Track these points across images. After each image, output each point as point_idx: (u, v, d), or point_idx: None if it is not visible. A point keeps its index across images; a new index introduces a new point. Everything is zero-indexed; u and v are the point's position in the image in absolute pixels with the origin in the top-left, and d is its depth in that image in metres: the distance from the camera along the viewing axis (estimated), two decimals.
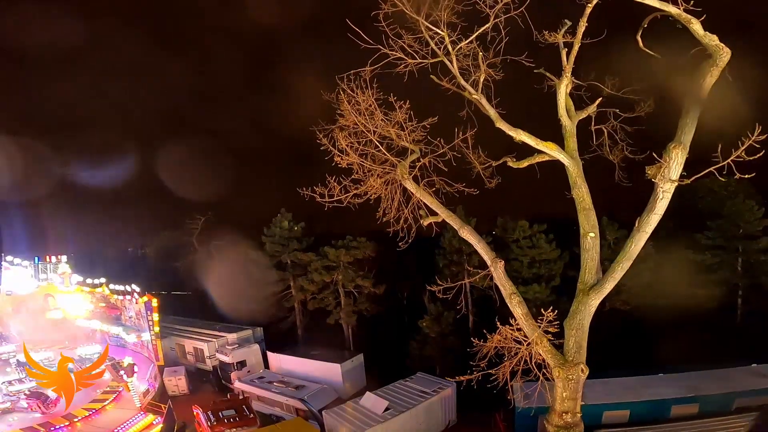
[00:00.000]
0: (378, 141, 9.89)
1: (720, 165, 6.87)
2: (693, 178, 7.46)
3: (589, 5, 7.83)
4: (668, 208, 8.00)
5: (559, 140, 9.27)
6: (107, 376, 21.91)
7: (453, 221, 9.58)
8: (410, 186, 9.44)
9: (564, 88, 8.89)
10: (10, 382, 19.52)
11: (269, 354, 23.52)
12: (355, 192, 9.47)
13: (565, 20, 8.63)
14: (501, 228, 22.51)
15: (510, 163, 9.64)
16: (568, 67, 8.73)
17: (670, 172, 7.55)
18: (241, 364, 23.11)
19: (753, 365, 17.16)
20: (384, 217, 9.76)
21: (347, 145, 9.36)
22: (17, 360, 22.31)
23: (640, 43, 7.96)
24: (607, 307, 22.72)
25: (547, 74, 9.06)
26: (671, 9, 7.04)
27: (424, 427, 16.45)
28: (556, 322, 9.06)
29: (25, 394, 18.31)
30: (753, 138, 6.53)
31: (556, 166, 9.33)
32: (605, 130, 9.50)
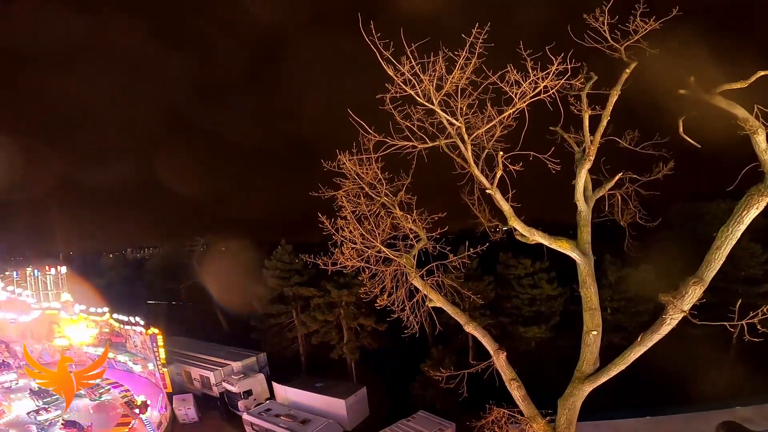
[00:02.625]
0: (383, 231, 10.88)
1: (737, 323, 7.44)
2: (701, 322, 7.82)
3: (627, 71, 7.76)
4: (673, 233, 8.54)
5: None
6: (114, 394, 24.33)
7: (459, 317, 10.75)
8: (418, 284, 10.48)
9: (585, 170, 8.73)
10: (37, 412, 21.86)
11: (275, 385, 25.96)
12: (359, 264, 10.36)
13: (591, 73, 8.32)
14: (503, 264, 24.49)
15: (518, 237, 10.04)
16: (593, 147, 8.38)
17: (683, 303, 7.88)
18: (248, 393, 25.67)
19: (737, 408, 19.50)
20: (389, 308, 10.82)
21: (349, 249, 10.14)
22: (30, 389, 24.84)
23: (681, 128, 7.54)
24: (605, 342, 25.11)
25: (564, 134, 9.05)
26: (739, 112, 6.71)
27: None
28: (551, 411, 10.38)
29: (62, 424, 20.58)
30: None
31: (558, 171, 9.28)
32: (619, 195, 9.61)
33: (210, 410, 26.37)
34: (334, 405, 23.02)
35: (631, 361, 9.39)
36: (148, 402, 22.51)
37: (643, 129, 8.91)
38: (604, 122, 8.31)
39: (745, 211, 7.13)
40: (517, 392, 10.55)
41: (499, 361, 10.56)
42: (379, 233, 10.43)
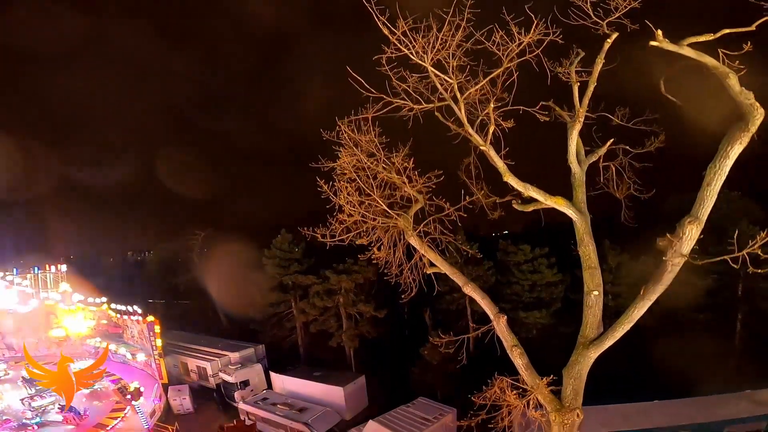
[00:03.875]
0: (381, 189, 10.63)
1: (736, 255, 7.34)
2: (704, 261, 7.68)
3: (608, 41, 8.03)
4: (671, 225, 7.91)
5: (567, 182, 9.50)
6: (109, 385, 23.92)
7: (457, 278, 10.46)
8: (415, 242, 10.22)
9: (576, 132, 9.01)
10: (32, 398, 21.45)
11: (272, 374, 25.37)
12: (356, 233, 10.17)
13: (579, 50, 8.62)
14: (503, 251, 24.19)
15: (515, 206, 9.99)
16: (581, 110, 8.70)
17: (681, 247, 7.67)
18: (245, 383, 25.06)
19: (747, 391, 18.85)
20: (385, 268, 10.61)
21: (347, 202, 10.06)
22: (22, 377, 24.45)
23: (662, 89, 7.82)
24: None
25: (556, 108, 9.20)
26: (708, 60, 6.91)
27: None
28: (554, 378, 9.93)
29: (59, 408, 20.27)
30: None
31: (557, 163, 9.39)
32: (613, 167, 9.69)
33: (206, 401, 25.77)
34: (333, 393, 22.40)
35: (636, 319, 8.99)
36: (142, 388, 22.01)
37: (638, 117, 9.17)
38: (591, 87, 8.61)
39: (730, 147, 7.27)
40: (519, 360, 10.17)
41: (500, 326, 10.21)
42: (376, 186, 10.33)
